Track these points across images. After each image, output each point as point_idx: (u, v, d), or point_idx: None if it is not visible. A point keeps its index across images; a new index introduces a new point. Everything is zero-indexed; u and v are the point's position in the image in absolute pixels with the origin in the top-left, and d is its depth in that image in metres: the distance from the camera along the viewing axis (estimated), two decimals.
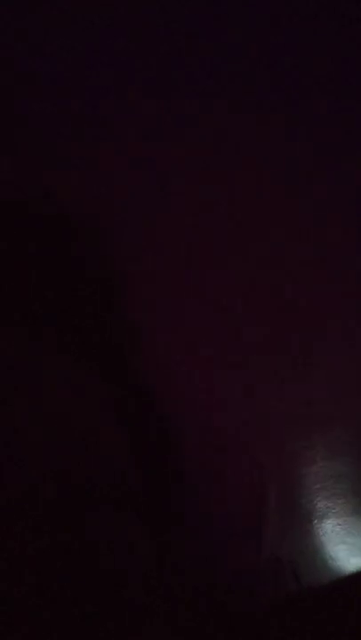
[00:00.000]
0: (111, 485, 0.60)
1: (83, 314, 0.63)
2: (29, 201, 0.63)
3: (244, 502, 0.65)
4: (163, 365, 0.65)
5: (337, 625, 0.62)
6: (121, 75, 0.65)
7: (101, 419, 0.62)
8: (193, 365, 0.65)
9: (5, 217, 0.63)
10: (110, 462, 0.61)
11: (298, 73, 0.67)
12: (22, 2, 0.62)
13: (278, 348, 0.66)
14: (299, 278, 0.67)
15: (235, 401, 0.66)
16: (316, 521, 0.66)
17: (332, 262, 0.69)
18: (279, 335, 0.66)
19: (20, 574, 0.55)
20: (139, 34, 0.64)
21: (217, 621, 0.62)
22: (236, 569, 0.65)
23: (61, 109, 0.64)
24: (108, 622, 0.57)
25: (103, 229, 0.65)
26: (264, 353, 0.66)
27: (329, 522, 0.66)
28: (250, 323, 0.66)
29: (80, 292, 0.63)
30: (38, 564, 0.56)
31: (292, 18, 0.66)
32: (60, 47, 0.64)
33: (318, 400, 0.66)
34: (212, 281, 0.66)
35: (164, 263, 0.65)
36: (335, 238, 0.69)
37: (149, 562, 0.61)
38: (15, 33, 0.63)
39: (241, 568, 0.65)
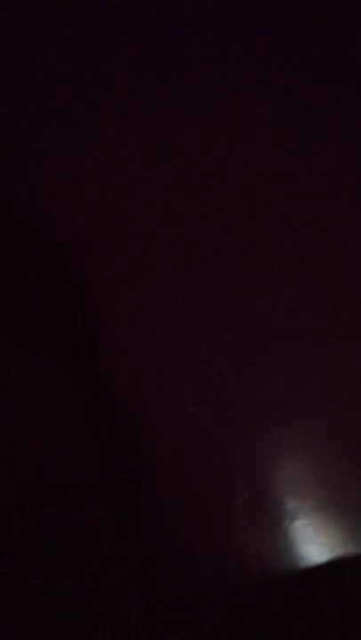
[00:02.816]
0: (98, 502, 0.60)
1: (71, 326, 0.63)
2: (29, 215, 0.63)
3: (215, 505, 0.65)
4: (162, 381, 0.65)
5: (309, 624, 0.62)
6: (118, 87, 0.64)
7: (88, 431, 0.62)
8: (193, 384, 0.65)
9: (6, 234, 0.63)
10: (99, 478, 0.61)
11: (296, 73, 0.67)
12: (22, 5, 0.61)
13: (254, 352, 0.66)
14: (294, 282, 0.67)
15: (206, 404, 0.65)
16: (286, 521, 0.65)
17: (333, 263, 0.68)
18: (255, 338, 0.66)
19: (5, 586, 0.56)
20: (136, 42, 0.64)
21: (193, 626, 0.62)
22: (204, 572, 0.64)
23: (56, 118, 0.64)
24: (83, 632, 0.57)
25: (95, 243, 0.64)
26: (239, 358, 0.66)
27: (299, 522, 0.66)
28: (248, 339, 0.66)
29: (66, 302, 0.63)
30: (23, 578, 0.57)
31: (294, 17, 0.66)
32: (58, 55, 0.63)
33: (289, 402, 0.66)
34: (203, 288, 0.66)
35: (157, 275, 0.65)
36: (336, 238, 0.68)
37: (143, 580, 0.61)
38: (14, 40, 0.62)
39: (211, 572, 0.64)
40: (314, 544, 0.65)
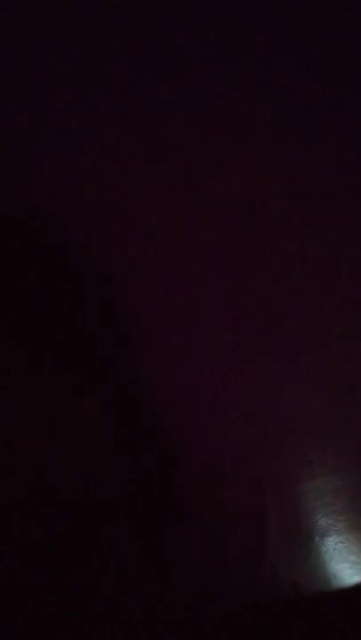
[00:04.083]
0: (98, 501, 0.60)
1: (71, 326, 0.63)
2: (29, 215, 0.63)
3: (245, 521, 0.65)
4: (162, 381, 0.64)
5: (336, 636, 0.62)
6: (118, 87, 0.64)
7: (88, 432, 0.62)
8: (193, 384, 0.65)
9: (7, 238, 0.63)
10: (99, 478, 0.61)
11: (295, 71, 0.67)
12: (22, 5, 0.61)
13: (280, 364, 0.66)
14: (294, 282, 0.67)
15: (234, 419, 0.65)
16: (317, 539, 0.65)
17: (333, 263, 0.68)
18: (281, 350, 0.66)
19: (5, 587, 0.56)
20: (136, 42, 0.64)
21: (193, 626, 0.61)
22: (236, 591, 0.64)
23: (56, 118, 0.64)
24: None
25: (95, 243, 0.64)
26: (265, 370, 0.66)
27: (331, 539, 0.65)
28: (248, 339, 0.66)
29: (66, 302, 0.63)
30: (23, 578, 0.57)
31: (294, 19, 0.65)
32: (58, 55, 0.63)
33: (318, 415, 0.66)
34: (203, 288, 0.66)
35: (163, 278, 0.65)
36: (336, 238, 0.68)
37: (143, 580, 0.61)
38: (14, 40, 0.62)
39: (241, 589, 0.64)
40: (345, 562, 0.65)
